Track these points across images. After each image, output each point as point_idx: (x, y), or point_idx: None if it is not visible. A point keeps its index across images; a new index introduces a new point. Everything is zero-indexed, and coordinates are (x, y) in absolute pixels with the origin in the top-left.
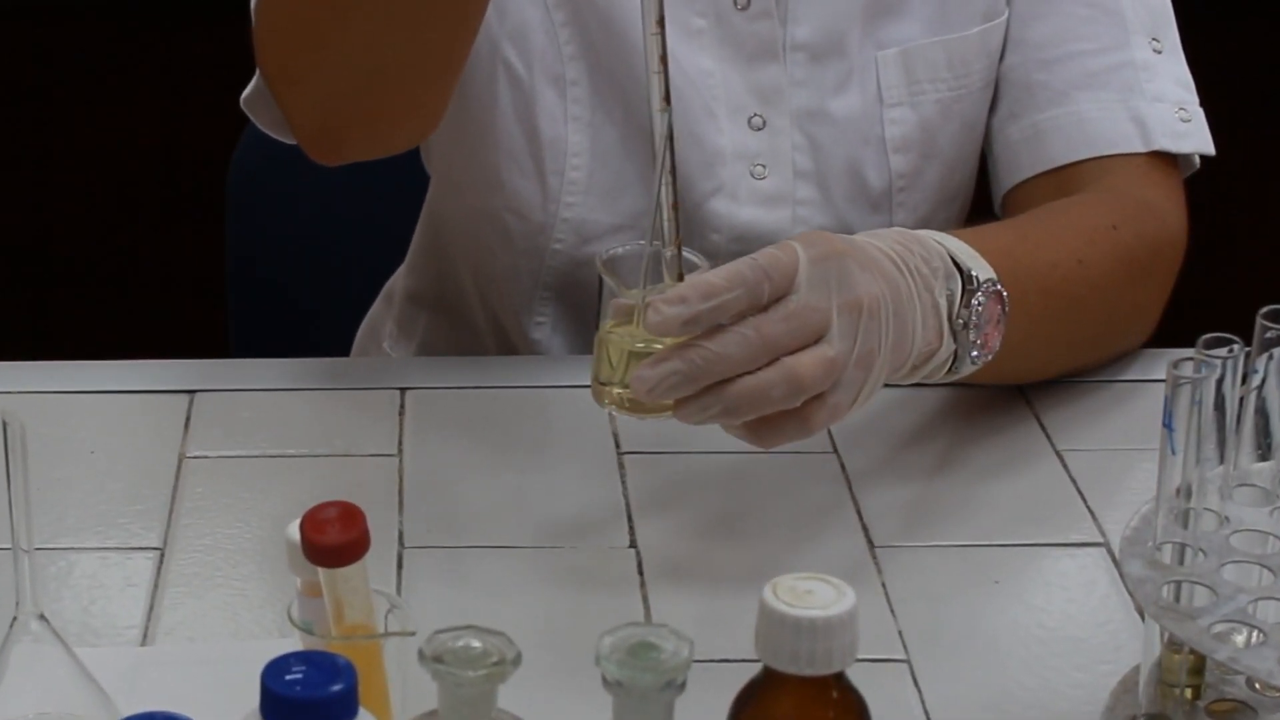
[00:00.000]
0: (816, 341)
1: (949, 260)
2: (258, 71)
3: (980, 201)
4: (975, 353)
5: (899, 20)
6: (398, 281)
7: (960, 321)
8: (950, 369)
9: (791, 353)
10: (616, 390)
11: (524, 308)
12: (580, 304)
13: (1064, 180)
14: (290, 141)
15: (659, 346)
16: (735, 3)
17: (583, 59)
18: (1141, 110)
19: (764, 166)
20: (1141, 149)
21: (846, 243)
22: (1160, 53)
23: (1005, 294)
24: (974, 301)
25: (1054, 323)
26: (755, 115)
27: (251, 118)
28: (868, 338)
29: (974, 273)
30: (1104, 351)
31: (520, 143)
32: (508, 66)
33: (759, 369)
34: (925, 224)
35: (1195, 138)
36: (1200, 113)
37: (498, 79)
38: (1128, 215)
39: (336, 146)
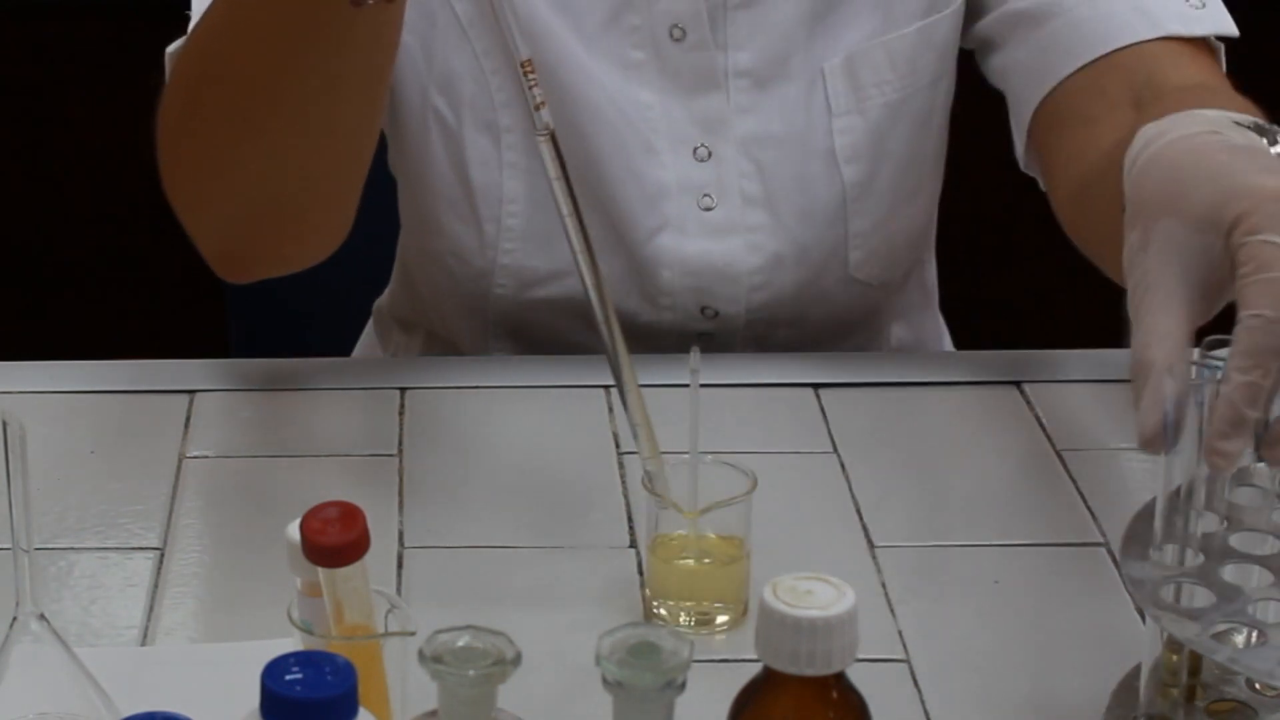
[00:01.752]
0: None
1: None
2: None
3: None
4: None
5: (841, 30)
6: (383, 304)
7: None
8: None
9: None
10: (671, 604)
11: (481, 344)
12: (533, 341)
13: (1094, 78)
14: None
15: (708, 561)
16: (671, 34)
17: (515, 105)
18: (1144, 2)
19: (710, 196)
20: (1148, 34)
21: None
22: None
23: None
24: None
25: None
26: (700, 146)
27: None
28: None
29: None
30: None
31: (456, 189)
32: (437, 114)
33: None
34: (885, 226)
35: (1210, 21)
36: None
37: (429, 126)
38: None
39: (241, 267)
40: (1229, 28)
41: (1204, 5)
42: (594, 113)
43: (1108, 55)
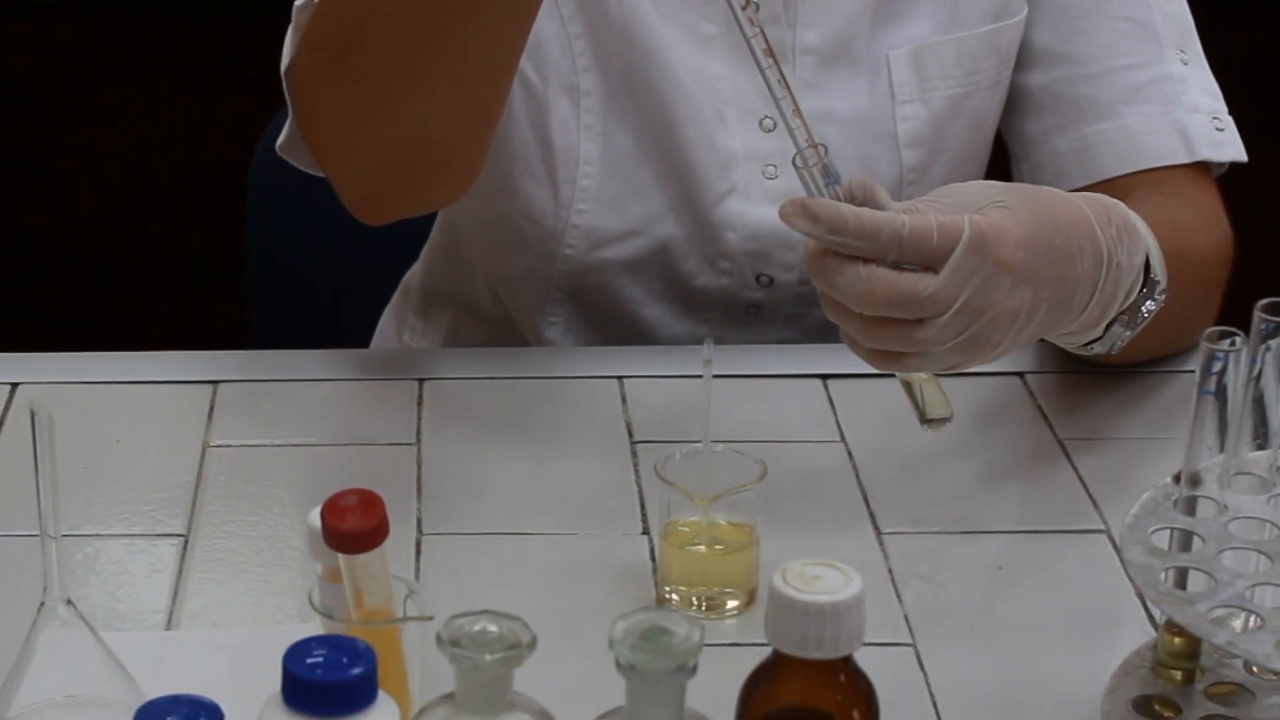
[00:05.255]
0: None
1: (1145, 258)
2: (290, 119)
3: None
4: (1115, 345)
5: (906, 22)
6: (414, 278)
7: (1124, 319)
8: (1081, 346)
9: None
10: (683, 589)
11: (537, 309)
12: (592, 306)
13: (1112, 191)
14: (322, 175)
15: (719, 547)
16: (743, 7)
17: (596, 70)
18: (1183, 122)
19: (775, 166)
20: (1186, 160)
21: (1053, 227)
22: (1187, 64)
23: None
24: (1145, 307)
25: (1170, 314)
26: (766, 117)
27: (290, 161)
28: (987, 293)
29: (1156, 277)
30: (1175, 346)
31: (534, 151)
32: (523, 77)
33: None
34: None
35: (1231, 147)
36: (1231, 121)
37: (514, 89)
38: (1202, 222)
39: (381, 209)
40: (1241, 154)
41: (1224, 128)
42: (674, 81)
43: (1146, 171)
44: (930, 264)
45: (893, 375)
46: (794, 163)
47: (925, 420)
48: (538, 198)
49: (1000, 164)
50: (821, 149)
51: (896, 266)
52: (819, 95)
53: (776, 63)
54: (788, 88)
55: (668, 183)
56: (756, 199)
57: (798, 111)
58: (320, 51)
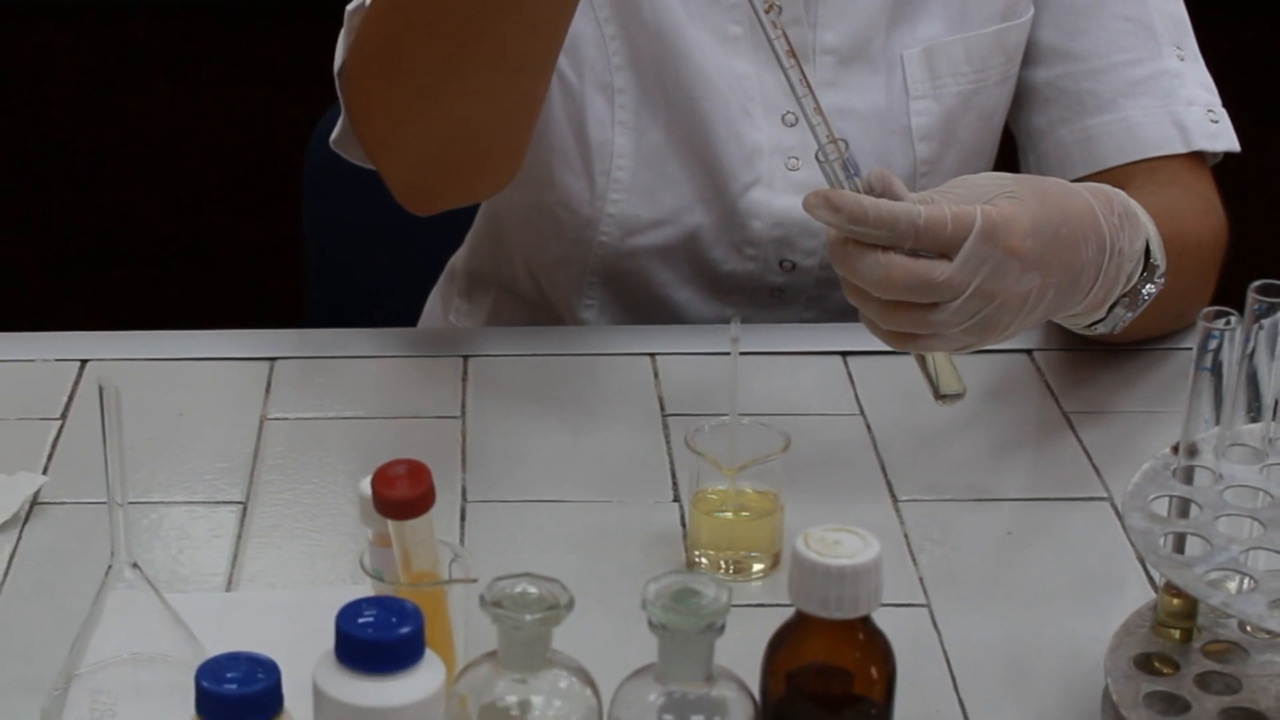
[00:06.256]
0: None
1: (1146, 244)
2: (343, 116)
3: None
4: (1117, 326)
5: (919, 23)
6: (458, 262)
7: (1126, 302)
8: (1085, 326)
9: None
10: (711, 553)
11: (574, 292)
12: (625, 290)
13: (1113, 179)
14: (373, 168)
15: (745, 514)
16: (767, 10)
17: (630, 69)
18: (1179, 114)
19: (797, 159)
20: (1182, 149)
21: (1060, 216)
22: (1183, 60)
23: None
24: (1145, 290)
25: (1169, 296)
26: (789, 113)
27: (343, 155)
28: (998, 279)
29: (1156, 262)
30: (1174, 326)
31: (571, 144)
32: (561, 75)
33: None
34: None
35: (1224, 137)
36: (1224, 112)
37: (552, 87)
38: (1199, 208)
39: (428, 200)
40: (1235, 144)
41: (1219, 120)
42: (702, 78)
43: (1145, 160)
44: (944, 251)
45: (908, 353)
46: (816, 157)
47: (940, 396)
48: (574, 188)
49: (1008, 155)
50: (843, 144)
51: (913, 254)
52: (838, 92)
53: (798, 63)
54: (809, 86)
55: (696, 174)
56: (780, 189)
57: (819, 109)
58: (369, 54)
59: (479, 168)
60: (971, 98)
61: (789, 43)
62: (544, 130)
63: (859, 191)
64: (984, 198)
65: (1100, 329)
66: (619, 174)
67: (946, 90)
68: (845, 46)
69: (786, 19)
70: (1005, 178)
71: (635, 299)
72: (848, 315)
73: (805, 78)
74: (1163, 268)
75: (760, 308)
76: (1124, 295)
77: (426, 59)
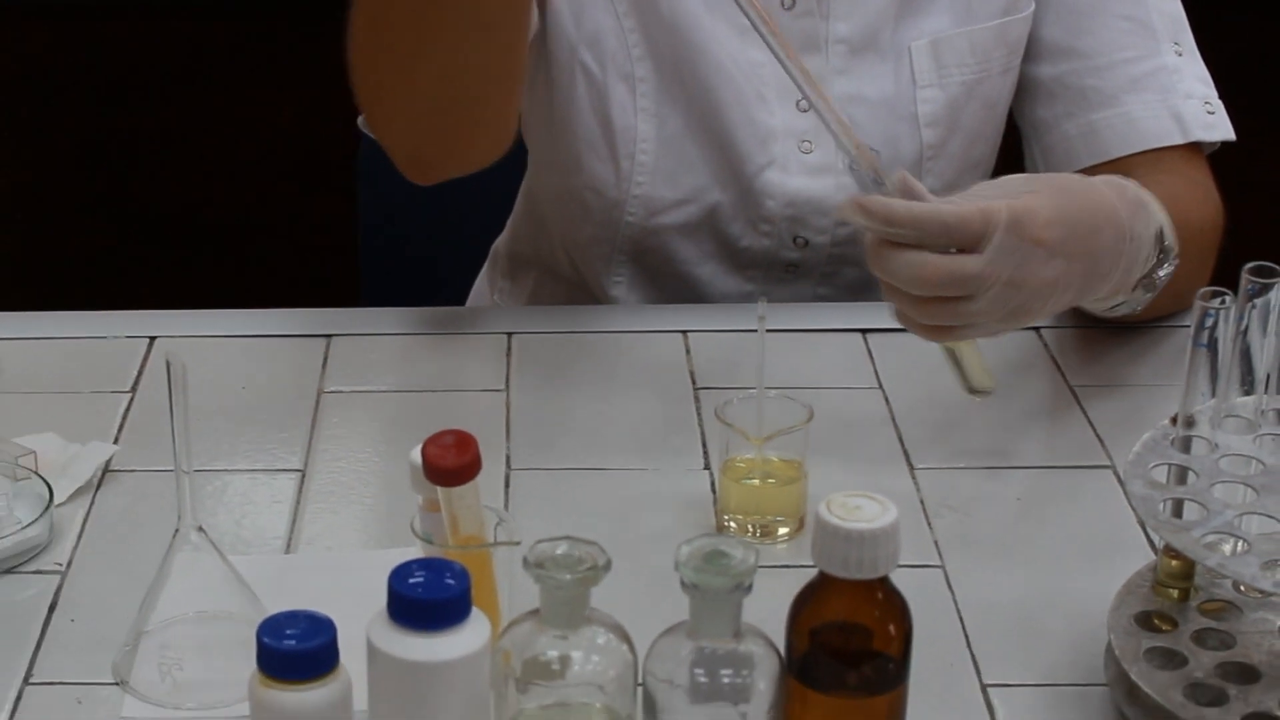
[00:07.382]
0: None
1: (1160, 230)
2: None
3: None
4: (1136, 307)
5: (926, 16)
6: (501, 245)
7: (1145, 283)
8: (1108, 309)
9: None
10: (740, 517)
11: (604, 269)
12: (651, 265)
13: (1116, 170)
14: None
15: (771, 481)
16: (783, 3)
17: (649, 59)
18: (1178, 107)
19: (809, 142)
20: (1181, 141)
21: (1078, 206)
22: (1181, 55)
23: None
24: (1162, 272)
25: (1174, 279)
26: (801, 99)
27: (366, 133)
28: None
29: (1170, 245)
30: (1176, 306)
31: (596, 132)
32: (584, 67)
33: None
34: (953, 189)
35: (1221, 128)
36: (1221, 105)
37: (576, 78)
38: (1198, 195)
39: (427, 169)
40: (1230, 134)
41: (1215, 111)
42: (718, 67)
43: (1146, 152)
44: (973, 246)
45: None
46: (850, 166)
47: (971, 390)
48: (601, 173)
49: (1013, 147)
50: (875, 153)
51: (944, 251)
52: (849, 80)
53: (809, 76)
54: (815, 86)
55: (714, 157)
56: (793, 170)
57: (847, 129)
58: (358, 28)
59: (470, 135)
60: (975, 87)
61: (790, 51)
62: (571, 120)
63: (888, 195)
64: (1006, 196)
65: (1123, 310)
66: (642, 158)
67: (951, 80)
68: (856, 37)
69: (800, 11)
70: (1024, 178)
71: (660, 274)
72: (860, 291)
73: (824, 98)
74: (1175, 250)
75: (777, 282)
76: (1143, 277)
77: (402, 27)
